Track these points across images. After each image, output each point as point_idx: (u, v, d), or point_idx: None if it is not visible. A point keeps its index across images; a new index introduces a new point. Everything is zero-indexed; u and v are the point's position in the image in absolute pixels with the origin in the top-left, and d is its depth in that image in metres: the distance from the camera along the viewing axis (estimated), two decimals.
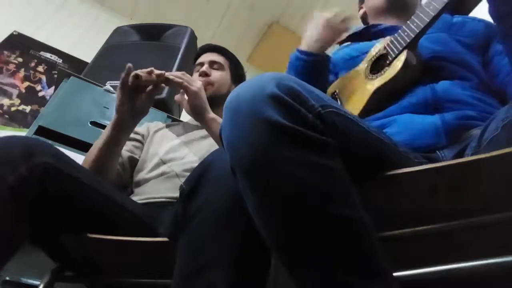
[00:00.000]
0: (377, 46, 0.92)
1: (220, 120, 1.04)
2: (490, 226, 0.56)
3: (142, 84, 0.98)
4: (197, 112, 1.06)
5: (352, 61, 1.00)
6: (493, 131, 0.60)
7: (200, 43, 2.18)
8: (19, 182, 0.66)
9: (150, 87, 1.01)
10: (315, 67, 0.96)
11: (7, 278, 1.16)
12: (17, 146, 0.70)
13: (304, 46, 0.97)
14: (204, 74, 1.26)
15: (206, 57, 1.33)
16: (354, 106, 0.89)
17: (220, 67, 1.32)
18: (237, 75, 1.36)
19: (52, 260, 0.82)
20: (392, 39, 0.86)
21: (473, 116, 0.76)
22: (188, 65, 1.60)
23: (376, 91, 0.85)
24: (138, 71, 0.96)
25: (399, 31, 0.84)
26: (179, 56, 1.92)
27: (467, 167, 0.55)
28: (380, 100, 0.86)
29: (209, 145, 1.12)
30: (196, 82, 1.07)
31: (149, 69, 0.98)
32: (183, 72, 1.07)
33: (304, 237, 0.47)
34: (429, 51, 0.88)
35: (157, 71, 0.99)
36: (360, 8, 1.17)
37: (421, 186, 0.57)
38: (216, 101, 1.21)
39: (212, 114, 1.07)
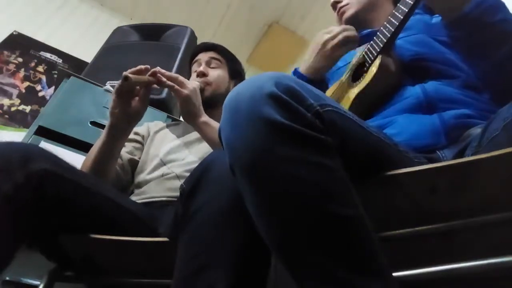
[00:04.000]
0: (357, 55, 0.94)
1: (212, 123, 1.04)
2: (490, 226, 0.56)
3: (132, 85, 0.96)
4: (188, 116, 1.05)
5: (339, 72, 1.01)
6: (494, 130, 0.60)
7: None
8: (16, 189, 0.65)
9: (142, 91, 0.99)
10: None
11: (7, 278, 1.16)
12: (14, 152, 0.69)
13: (302, 69, 0.98)
14: (202, 74, 1.25)
15: (203, 56, 1.32)
16: None
17: (218, 65, 1.30)
18: (235, 71, 1.35)
19: (50, 261, 0.82)
20: (369, 45, 0.87)
21: (471, 114, 0.76)
22: (188, 65, 1.60)
23: (355, 99, 0.86)
24: (127, 73, 0.93)
25: (374, 37, 0.86)
26: (179, 56, 1.92)
27: (467, 167, 0.55)
28: (363, 108, 0.86)
29: (208, 146, 1.12)
30: (189, 84, 1.05)
31: (137, 68, 0.96)
32: (176, 76, 1.04)
33: (303, 236, 0.47)
34: (410, 52, 0.88)
35: (144, 66, 0.97)
36: None
37: (421, 186, 0.57)
38: (216, 100, 1.21)
39: (204, 118, 1.04)
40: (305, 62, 0.97)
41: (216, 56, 1.32)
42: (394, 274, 0.50)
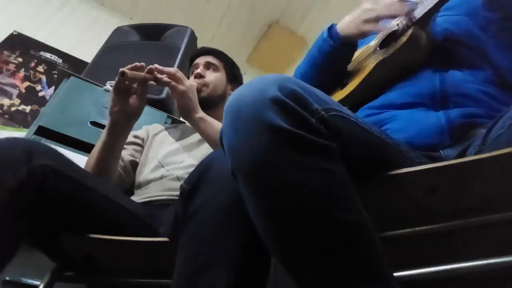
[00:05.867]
0: (392, 23, 0.90)
1: (208, 119, 1.05)
2: (490, 226, 0.56)
3: (129, 81, 0.97)
4: (184, 111, 1.06)
5: (371, 37, 0.97)
6: (499, 129, 0.59)
7: (200, 43, 2.18)
8: (19, 184, 0.66)
9: (139, 88, 1.00)
10: (337, 54, 0.93)
11: (7, 278, 1.16)
12: (18, 148, 0.70)
13: (339, 25, 0.92)
14: (199, 76, 1.26)
15: (201, 60, 1.33)
16: (358, 80, 0.88)
17: (215, 68, 1.31)
18: (233, 75, 1.36)
19: (51, 260, 0.82)
20: (405, 15, 0.84)
21: (479, 113, 0.74)
22: (187, 69, 1.61)
23: (377, 65, 0.84)
24: (124, 68, 0.94)
25: (414, 8, 0.83)
26: (179, 56, 1.92)
27: (468, 167, 0.55)
28: (382, 76, 0.85)
29: (207, 149, 1.12)
30: (186, 81, 1.06)
31: (133, 65, 0.97)
32: (176, 69, 1.06)
33: (305, 240, 0.47)
34: (445, 32, 0.85)
35: (139, 64, 0.97)
36: None
37: (421, 186, 0.57)
38: (212, 102, 1.22)
39: (200, 114, 1.06)
40: (343, 21, 0.92)
41: (213, 61, 1.33)
42: (394, 274, 0.50)
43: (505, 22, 0.78)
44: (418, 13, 0.81)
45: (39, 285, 0.79)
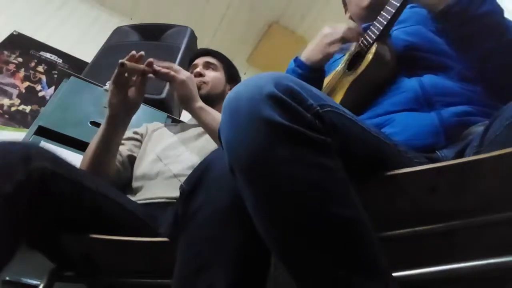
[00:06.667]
0: (354, 45, 0.94)
1: (208, 109, 1.07)
2: (490, 226, 0.56)
3: (128, 72, 0.98)
4: (184, 100, 1.07)
5: (335, 63, 1.02)
6: (496, 130, 0.59)
7: (200, 43, 2.18)
8: (16, 189, 0.65)
9: (138, 80, 1.01)
10: (308, 80, 0.95)
11: (7, 278, 1.16)
12: (16, 151, 0.69)
13: (303, 56, 0.96)
14: (198, 75, 1.28)
15: (200, 60, 1.35)
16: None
17: (214, 67, 1.33)
18: (232, 75, 1.37)
19: (50, 261, 0.82)
20: (365, 35, 0.87)
21: (472, 111, 0.76)
22: (187, 69, 1.62)
23: (350, 86, 0.86)
24: (123, 60, 0.96)
25: (371, 26, 0.86)
26: (179, 56, 1.92)
27: (467, 167, 0.55)
28: (357, 96, 0.86)
29: (205, 141, 1.13)
30: (184, 71, 1.08)
31: (131, 54, 0.98)
32: (171, 64, 1.07)
33: (303, 236, 0.47)
34: (404, 43, 0.88)
35: (138, 54, 0.99)
36: (346, 11, 1.17)
37: (421, 186, 0.57)
38: (211, 99, 1.23)
39: (199, 103, 1.07)
40: (306, 50, 0.96)
41: (212, 61, 1.34)
42: (394, 274, 0.50)
43: (456, 30, 0.82)
44: (377, 28, 0.83)
45: (38, 285, 0.79)
